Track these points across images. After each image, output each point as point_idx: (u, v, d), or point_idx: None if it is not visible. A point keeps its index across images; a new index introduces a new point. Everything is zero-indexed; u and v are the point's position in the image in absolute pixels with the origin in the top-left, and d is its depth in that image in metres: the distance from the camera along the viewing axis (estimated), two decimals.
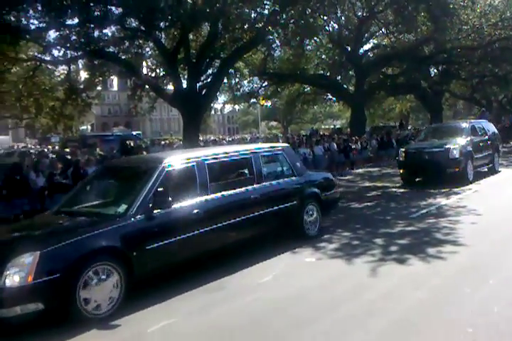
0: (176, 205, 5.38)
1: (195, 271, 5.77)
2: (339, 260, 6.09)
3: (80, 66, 20.39)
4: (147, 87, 19.23)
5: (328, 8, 17.81)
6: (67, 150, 17.93)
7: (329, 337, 3.97)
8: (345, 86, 28.46)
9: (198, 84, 17.25)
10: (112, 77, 26.09)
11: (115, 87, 63.25)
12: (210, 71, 18.95)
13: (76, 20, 14.71)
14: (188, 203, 5.57)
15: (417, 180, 12.80)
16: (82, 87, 19.68)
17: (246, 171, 6.75)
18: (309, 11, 16.27)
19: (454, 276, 5.25)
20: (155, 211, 5.15)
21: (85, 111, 20.80)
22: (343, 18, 24.71)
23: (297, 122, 58.83)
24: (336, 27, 25.01)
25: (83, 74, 21.24)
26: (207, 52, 17.01)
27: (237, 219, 6.05)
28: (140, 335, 4.28)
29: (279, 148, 7.59)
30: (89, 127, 49.06)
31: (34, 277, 4.20)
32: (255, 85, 28.15)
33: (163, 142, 27.44)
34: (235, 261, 6.07)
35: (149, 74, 20.91)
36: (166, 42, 18.27)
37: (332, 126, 49.39)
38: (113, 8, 15.23)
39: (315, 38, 23.68)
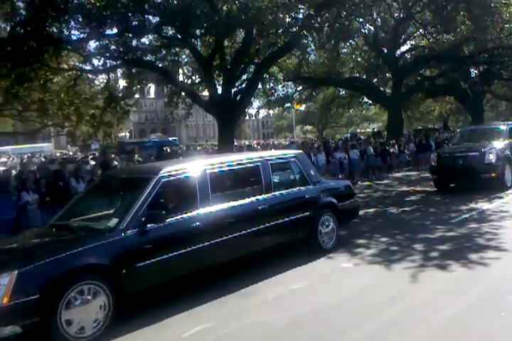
0: (173, 218, 5.07)
1: (226, 276, 5.73)
2: (377, 266, 5.97)
3: (119, 75, 20.97)
4: (183, 93, 19.56)
5: (363, 10, 17.63)
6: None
7: None
8: (381, 88, 28.04)
9: (232, 90, 17.40)
10: (149, 85, 26.66)
11: (152, 95, 64.59)
12: (244, 77, 19.08)
13: (115, 30, 15.19)
14: (186, 216, 5.21)
15: (451, 186, 12.21)
16: (120, 95, 20.20)
17: (254, 180, 6.30)
18: (344, 13, 16.17)
19: (498, 283, 5.06)
20: (149, 225, 4.82)
21: (124, 119, 21.32)
22: (379, 19, 24.40)
23: (332, 126, 58.37)
24: (372, 29, 24.71)
25: (122, 83, 21.84)
26: (242, 58, 17.15)
27: (243, 232, 5.64)
28: (175, 340, 4.31)
29: (292, 155, 7.07)
30: (127, 134, 50.29)
31: (10, 298, 3.92)
32: (290, 90, 28.14)
33: (198, 148, 27.84)
34: (267, 267, 6.01)
35: (185, 81, 21.26)
36: (201, 49, 18.55)
37: (371, 129, 48.50)
38: (150, 17, 15.67)
39: (350, 41, 23.48)
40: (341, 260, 6.38)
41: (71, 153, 40.12)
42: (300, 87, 28.30)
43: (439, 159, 12.12)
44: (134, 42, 16.26)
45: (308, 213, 6.55)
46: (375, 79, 27.64)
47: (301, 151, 7.92)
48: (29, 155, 35.86)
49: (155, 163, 8.29)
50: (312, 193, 6.78)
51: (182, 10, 13.84)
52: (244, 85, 18.62)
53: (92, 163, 18.82)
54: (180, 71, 21.38)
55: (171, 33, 17.10)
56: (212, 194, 5.49)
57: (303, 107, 38.61)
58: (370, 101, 31.65)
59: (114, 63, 17.54)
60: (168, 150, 21.67)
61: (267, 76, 21.23)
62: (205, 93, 20.56)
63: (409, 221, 8.80)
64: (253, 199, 6.00)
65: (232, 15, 13.85)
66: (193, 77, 21.78)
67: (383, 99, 26.37)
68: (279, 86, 25.76)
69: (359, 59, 27.33)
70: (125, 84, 20.50)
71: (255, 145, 28.13)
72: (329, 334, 4.11)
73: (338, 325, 4.27)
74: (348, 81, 26.15)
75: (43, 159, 29.48)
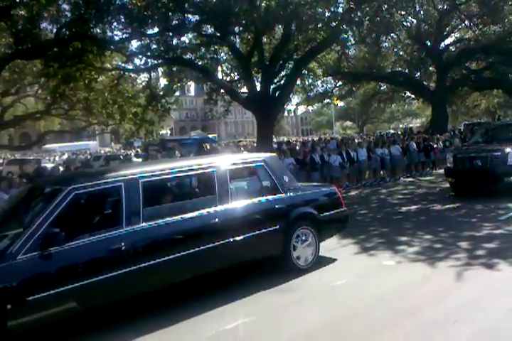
0: (85, 240, 4.30)
1: (259, 272, 5.66)
2: (420, 263, 5.82)
3: (160, 73, 21.40)
4: (222, 90, 19.72)
5: (405, 2, 17.22)
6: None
7: None
8: (424, 82, 27.34)
9: (271, 87, 17.41)
10: (189, 83, 27.04)
11: (192, 93, 65.60)
12: (283, 73, 19.04)
13: (156, 30, 15.52)
14: (105, 236, 4.40)
15: (470, 190, 11.00)
16: (161, 93, 20.60)
17: (206, 190, 5.46)
18: (385, 6, 15.85)
19: None
20: (52, 248, 4.05)
21: (165, 116, 21.72)
22: (421, 12, 23.78)
23: (373, 121, 57.40)
24: (415, 22, 24.11)
25: (162, 81, 22.27)
26: (280, 54, 17.12)
27: (186, 252, 4.77)
28: (219, 332, 4.34)
29: (258, 159, 6.00)
30: (168, 131, 51.19)
31: None
32: (329, 85, 27.86)
33: (243, 143, 28.02)
34: None
35: (224, 78, 21.43)
36: (240, 46, 18.64)
37: (426, 123, 47.01)
38: (190, 16, 15.90)
39: (392, 34, 23.00)
40: (383, 257, 6.25)
41: (115, 150, 41.27)
42: (340, 83, 27.98)
43: (455, 160, 10.83)
44: (175, 41, 16.61)
45: (278, 226, 5.59)
46: (418, 73, 26.99)
47: (271, 154, 6.68)
48: (75, 152, 37.20)
49: (74, 172, 7.36)
50: (284, 203, 5.77)
51: (221, 8, 13.95)
52: (282, 81, 18.59)
53: (135, 159, 19.33)
54: (219, 68, 21.58)
55: (210, 31, 17.30)
56: (145, 208, 4.70)
57: (342, 103, 38.06)
58: (413, 96, 30.93)
59: (155, 62, 17.91)
60: (208, 147, 21.96)
61: (306, 72, 21.10)
62: (244, 90, 20.66)
63: (453, 218, 8.53)
64: (203, 212, 5.10)
65: (270, 11, 13.85)
66: (232, 74, 21.95)
67: (427, 94, 25.73)
68: (318, 81, 25.59)
69: (401, 53, 26.79)
70: (166, 83, 20.89)
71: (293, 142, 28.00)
72: (368, 332, 4.03)
73: (378, 323, 4.18)
74: (389, 75, 25.67)
75: (88, 156, 30.52)
